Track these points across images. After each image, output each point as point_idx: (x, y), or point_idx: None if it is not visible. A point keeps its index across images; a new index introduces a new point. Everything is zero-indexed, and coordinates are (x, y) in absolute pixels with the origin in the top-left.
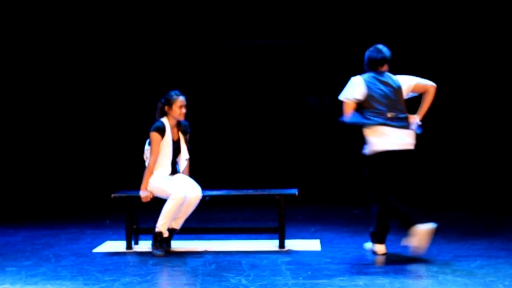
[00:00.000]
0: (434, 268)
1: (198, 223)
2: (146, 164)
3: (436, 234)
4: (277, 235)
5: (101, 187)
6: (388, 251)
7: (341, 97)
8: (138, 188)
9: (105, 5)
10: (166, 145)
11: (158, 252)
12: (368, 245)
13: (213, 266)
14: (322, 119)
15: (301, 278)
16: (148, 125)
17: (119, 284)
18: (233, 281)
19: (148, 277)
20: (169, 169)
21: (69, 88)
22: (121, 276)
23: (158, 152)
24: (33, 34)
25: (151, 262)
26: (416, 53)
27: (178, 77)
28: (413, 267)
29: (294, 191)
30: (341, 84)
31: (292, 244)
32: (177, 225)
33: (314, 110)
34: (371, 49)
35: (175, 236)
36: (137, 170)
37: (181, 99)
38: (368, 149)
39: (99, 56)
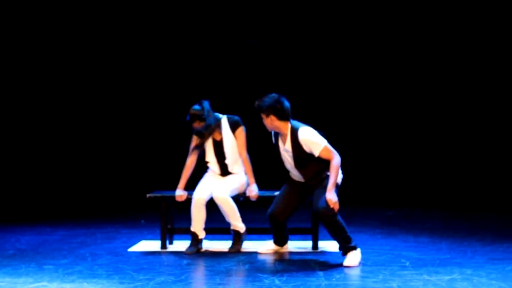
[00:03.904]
0: (469, 271)
1: None
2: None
3: (471, 237)
4: (310, 236)
5: (137, 187)
6: (422, 253)
7: (326, 143)
8: (174, 188)
9: (120, 7)
10: (208, 145)
11: (188, 250)
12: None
13: (246, 266)
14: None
15: (334, 279)
16: (184, 125)
17: (153, 283)
18: (266, 281)
19: (183, 277)
20: (216, 169)
21: (107, 89)
22: (156, 275)
23: (191, 152)
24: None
25: (185, 261)
26: (411, 53)
27: (209, 78)
28: (447, 269)
29: None
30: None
31: (325, 245)
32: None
33: None
34: (282, 99)
35: (208, 236)
36: (174, 170)
37: None
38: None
39: (137, 55)
